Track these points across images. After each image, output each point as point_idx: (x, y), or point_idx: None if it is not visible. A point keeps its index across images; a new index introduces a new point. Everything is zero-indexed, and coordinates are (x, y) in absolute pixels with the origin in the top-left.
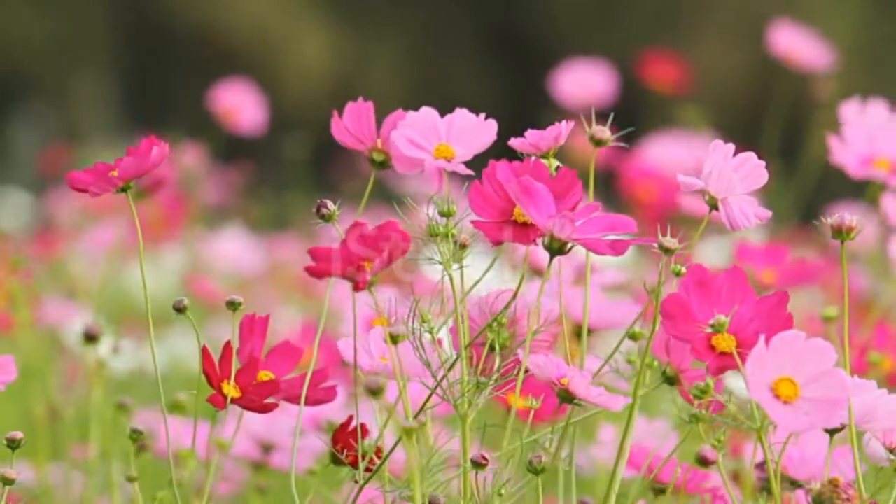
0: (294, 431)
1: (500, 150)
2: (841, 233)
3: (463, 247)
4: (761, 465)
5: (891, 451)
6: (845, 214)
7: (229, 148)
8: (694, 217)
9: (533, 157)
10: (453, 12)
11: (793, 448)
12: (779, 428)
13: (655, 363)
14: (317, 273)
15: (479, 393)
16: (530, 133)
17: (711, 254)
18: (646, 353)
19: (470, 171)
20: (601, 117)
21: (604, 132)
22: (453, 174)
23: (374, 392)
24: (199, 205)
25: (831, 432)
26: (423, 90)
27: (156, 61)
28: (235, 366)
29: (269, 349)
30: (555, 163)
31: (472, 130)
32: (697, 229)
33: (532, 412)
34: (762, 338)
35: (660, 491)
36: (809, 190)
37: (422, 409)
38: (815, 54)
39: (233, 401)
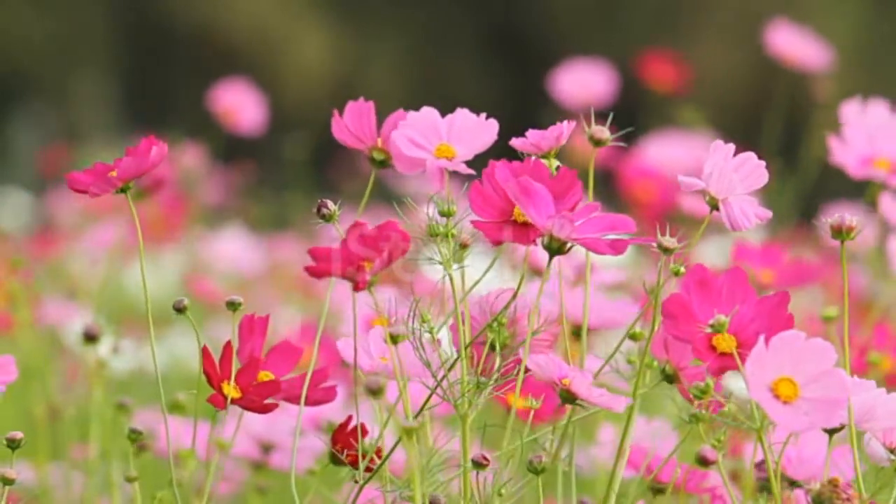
0: (294, 431)
1: (500, 149)
2: (841, 233)
3: (463, 247)
4: (761, 465)
5: (891, 451)
6: (845, 214)
7: (229, 148)
8: (694, 217)
9: (533, 157)
10: (453, 12)
11: (792, 448)
12: (778, 428)
13: (655, 363)
14: (317, 273)
15: (479, 393)
16: (531, 133)
17: (711, 254)
18: (646, 352)
19: (471, 171)
20: (601, 117)
21: (603, 132)
22: (453, 174)
23: (374, 392)
24: (199, 205)
25: (831, 432)
26: (424, 90)
27: (156, 61)
28: (235, 366)
29: (269, 349)
30: (555, 163)
31: (473, 130)
32: (697, 229)
33: (532, 412)
34: (762, 338)
35: (659, 491)
36: (809, 190)
37: (422, 409)
38: (814, 54)
39: (233, 401)
